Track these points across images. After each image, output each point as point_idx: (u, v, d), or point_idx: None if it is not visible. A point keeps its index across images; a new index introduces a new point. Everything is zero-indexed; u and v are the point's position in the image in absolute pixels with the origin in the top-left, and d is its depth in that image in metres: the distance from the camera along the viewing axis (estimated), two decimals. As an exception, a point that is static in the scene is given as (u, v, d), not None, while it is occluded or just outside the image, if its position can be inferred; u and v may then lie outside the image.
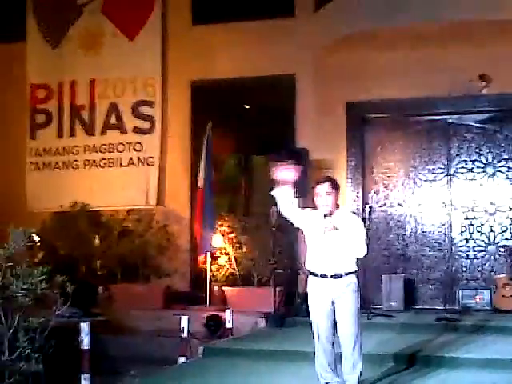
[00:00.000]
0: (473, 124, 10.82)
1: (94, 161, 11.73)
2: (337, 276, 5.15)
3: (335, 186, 5.37)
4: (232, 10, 11.62)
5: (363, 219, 9.96)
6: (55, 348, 5.52)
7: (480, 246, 10.63)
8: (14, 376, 5.14)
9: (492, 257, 10.52)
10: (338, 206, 5.35)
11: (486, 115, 10.71)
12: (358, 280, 5.37)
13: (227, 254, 10.58)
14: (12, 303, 5.26)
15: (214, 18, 11.64)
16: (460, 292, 10.33)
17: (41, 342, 5.27)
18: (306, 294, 9.03)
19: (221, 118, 11.15)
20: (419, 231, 10.78)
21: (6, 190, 11.71)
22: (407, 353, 7.00)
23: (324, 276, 5.17)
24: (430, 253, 10.68)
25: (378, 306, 9.98)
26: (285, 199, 5.29)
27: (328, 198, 5.21)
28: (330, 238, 5.17)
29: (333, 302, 5.19)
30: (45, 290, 5.35)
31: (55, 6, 12.11)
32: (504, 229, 10.48)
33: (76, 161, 11.79)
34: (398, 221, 10.77)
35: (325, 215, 5.21)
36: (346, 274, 5.20)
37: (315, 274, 5.32)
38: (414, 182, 10.85)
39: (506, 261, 10.14)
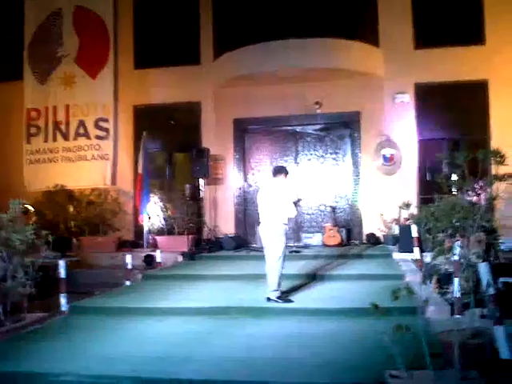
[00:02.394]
0: (311, 132, 11.78)
1: (69, 157, 12.23)
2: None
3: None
4: (160, 59, 12.24)
5: (244, 192, 11.42)
6: (43, 278, 6.22)
7: (315, 206, 11.56)
8: (15, 296, 5.92)
9: (322, 213, 11.49)
10: None
11: (319, 126, 11.66)
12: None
13: (157, 215, 11.31)
14: (12, 249, 5.97)
15: (149, 64, 12.27)
16: (303, 235, 11.32)
17: (33, 274, 6.04)
18: (209, 240, 9.99)
19: (153, 129, 11.87)
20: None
21: (10, 177, 12.16)
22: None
23: None
24: (285, 211, 12.04)
25: (254, 245, 10.88)
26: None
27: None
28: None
29: None
30: (34, 240, 6.14)
31: (43, 57, 12.34)
32: (330, 194, 11.49)
33: (56, 157, 12.29)
34: (266, 192, 12.08)
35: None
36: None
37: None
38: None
39: (331, 215, 11.23)
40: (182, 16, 12.34)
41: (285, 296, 6.47)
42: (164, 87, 12.09)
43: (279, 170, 6.76)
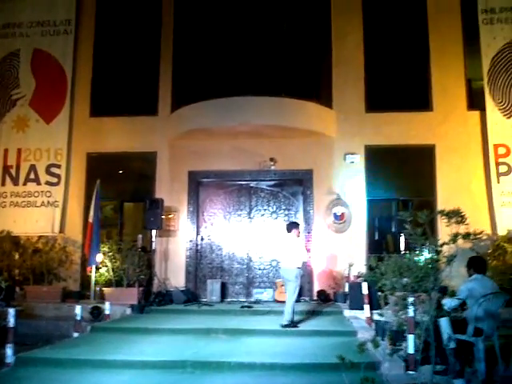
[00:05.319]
0: (265, 187, 11.94)
1: (17, 203, 11.96)
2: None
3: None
4: (117, 108, 12.35)
5: (196, 245, 11.51)
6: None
7: (267, 262, 11.63)
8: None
9: (274, 269, 11.44)
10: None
11: (273, 182, 11.83)
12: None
13: (106, 266, 10.93)
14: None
15: (105, 112, 12.34)
16: (254, 290, 11.45)
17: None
18: (159, 292, 10.02)
19: (106, 178, 11.61)
20: (230, 252, 11.75)
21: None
22: (223, 327, 8.10)
23: None
24: (237, 266, 11.68)
25: (204, 299, 11.01)
26: None
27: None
28: None
29: None
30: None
31: (-4, 99, 12.16)
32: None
33: (4, 202, 12.03)
34: (218, 246, 11.77)
35: None
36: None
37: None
38: (229, 222, 11.86)
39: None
40: (141, 67, 12.55)
41: (293, 325, 8.13)
42: (119, 136, 12.17)
43: (292, 226, 8.59)
